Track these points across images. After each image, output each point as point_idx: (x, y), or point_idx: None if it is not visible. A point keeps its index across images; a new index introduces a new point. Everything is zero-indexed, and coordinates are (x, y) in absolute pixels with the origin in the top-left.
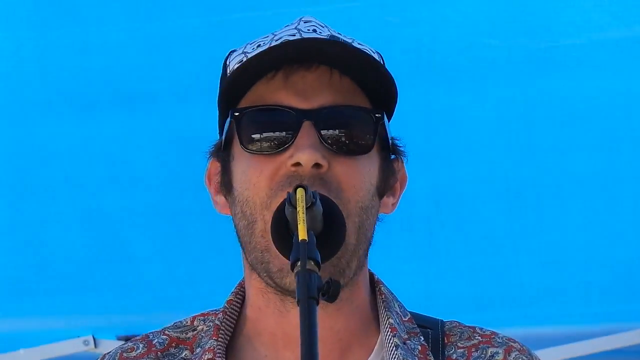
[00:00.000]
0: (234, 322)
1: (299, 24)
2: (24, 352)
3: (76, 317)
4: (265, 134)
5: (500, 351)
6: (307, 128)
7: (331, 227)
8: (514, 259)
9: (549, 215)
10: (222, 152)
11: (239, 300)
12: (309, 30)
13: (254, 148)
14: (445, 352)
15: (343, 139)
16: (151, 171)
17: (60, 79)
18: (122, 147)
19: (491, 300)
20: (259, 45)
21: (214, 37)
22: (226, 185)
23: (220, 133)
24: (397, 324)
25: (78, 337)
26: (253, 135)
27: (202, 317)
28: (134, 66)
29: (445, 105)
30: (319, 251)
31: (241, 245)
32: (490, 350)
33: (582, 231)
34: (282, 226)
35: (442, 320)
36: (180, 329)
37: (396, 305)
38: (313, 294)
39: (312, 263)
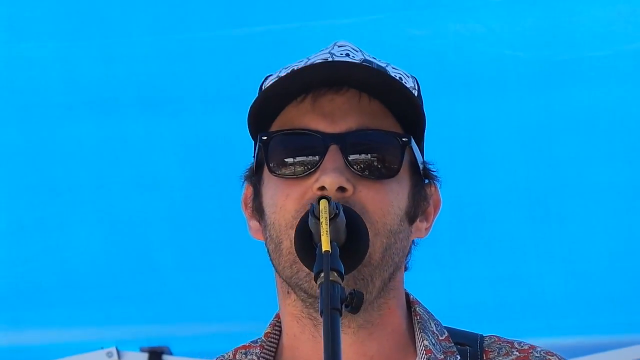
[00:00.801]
0: (273, 354)
1: (332, 49)
2: None
3: (99, 328)
4: (291, 158)
5: None
6: (333, 152)
7: (354, 238)
8: (537, 269)
9: (572, 226)
10: (254, 176)
11: (276, 332)
12: (341, 54)
13: (281, 172)
14: None
15: (369, 162)
16: (174, 178)
17: (85, 86)
18: (146, 154)
19: (514, 310)
20: (292, 70)
21: (238, 47)
22: (258, 210)
23: (254, 156)
24: (433, 344)
25: (102, 348)
26: (280, 160)
27: (244, 350)
28: (158, 73)
29: (469, 117)
30: (342, 262)
31: (274, 269)
32: None
33: (605, 241)
34: (305, 238)
35: (481, 336)
36: None
37: (432, 325)
38: (336, 305)
39: (336, 274)
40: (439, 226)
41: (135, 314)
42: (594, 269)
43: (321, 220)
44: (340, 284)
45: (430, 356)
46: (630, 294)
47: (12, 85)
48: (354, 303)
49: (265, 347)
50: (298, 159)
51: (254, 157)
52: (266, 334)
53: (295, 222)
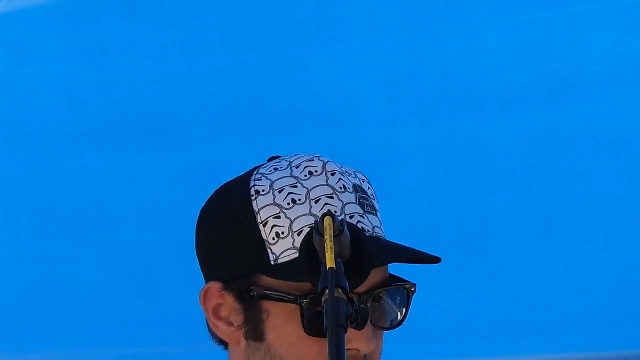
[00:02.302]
0: None
1: (328, 179)
2: None
3: (104, 349)
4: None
5: None
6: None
7: (359, 254)
8: (541, 286)
9: (577, 242)
10: (246, 296)
11: None
12: (341, 189)
13: (316, 332)
14: None
15: (387, 320)
16: (179, 204)
17: (88, 112)
18: (151, 181)
19: (518, 328)
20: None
21: (243, 73)
22: (252, 333)
23: (245, 272)
24: None
25: None
26: (317, 323)
27: None
28: (162, 100)
29: (472, 133)
30: (346, 279)
31: None
32: None
33: (610, 257)
34: (310, 255)
35: None
36: None
37: None
38: (341, 322)
39: (340, 291)
40: (443, 244)
41: (139, 336)
42: (599, 286)
43: (325, 237)
44: (344, 301)
45: None
46: (636, 310)
47: (14, 112)
48: (359, 319)
49: None
50: None
51: (247, 272)
52: None
53: None
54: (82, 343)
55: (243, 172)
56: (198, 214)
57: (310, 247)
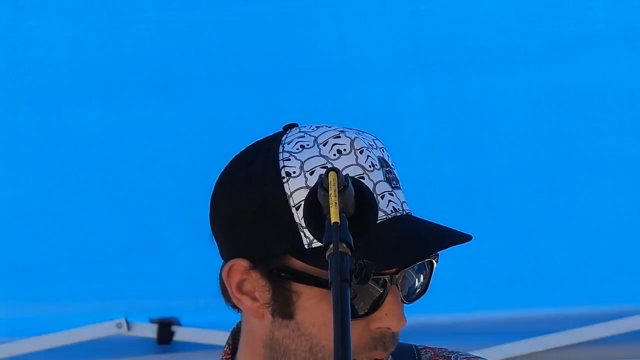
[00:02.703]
0: None
1: (357, 158)
2: (56, 335)
3: (109, 301)
4: (360, 302)
5: None
6: (394, 291)
7: (363, 209)
8: (546, 242)
9: (581, 198)
10: (276, 277)
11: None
12: (370, 167)
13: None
14: None
15: (414, 294)
16: (183, 157)
17: (92, 66)
18: (155, 134)
19: (523, 282)
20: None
21: (247, 25)
22: (281, 312)
23: (277, 251)
24: None
25: (111, 320)
26: (351, 307)
27: None
28: (166, 54)
29: (477, 91)
30: (351, 234)
31: (284, 353)
32: None
33: (613, 213)
34: (314, 210)
35: (415, 348)
36: None
37: None
38: (345, 276)
39: (345, 245)
40: (447, 201)
41: (144, 288)
42: (602, 241)
43: (330, 192)
44: (349, 255)
45: None
46: (638, 266)
47: (18, 66)
48: (363, 274)
49: None
50: (365, 301)
51: (279, 252)
52: None
53: None
54: (87, 296)
55: (261, 139)
56: (217, 184)
57: (314, 202)
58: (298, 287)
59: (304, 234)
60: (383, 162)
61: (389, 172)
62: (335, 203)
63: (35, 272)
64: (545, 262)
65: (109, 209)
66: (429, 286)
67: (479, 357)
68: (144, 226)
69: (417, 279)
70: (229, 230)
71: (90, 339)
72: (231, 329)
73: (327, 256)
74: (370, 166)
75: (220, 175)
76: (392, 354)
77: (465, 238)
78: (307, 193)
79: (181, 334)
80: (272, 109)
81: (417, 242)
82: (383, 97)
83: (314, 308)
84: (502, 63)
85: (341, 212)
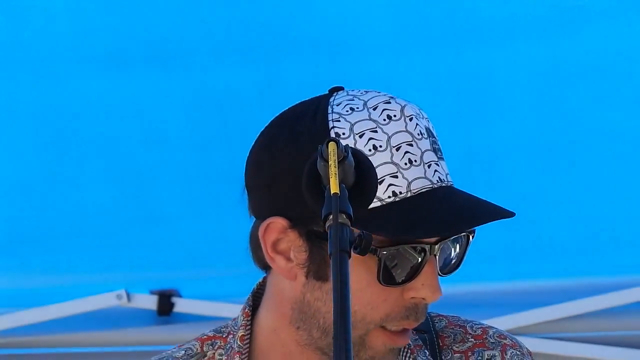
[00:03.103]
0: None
1: (407, 125)
2: (56, 307)
3: (109, 273)
4: (398, 270)
5: (496, 354)
6: (431, 262)
7: (363, 180)
8: (546, 213)
9: (580, 170)
10: (315, 237)
11: (249, 335)
12: (419, 135)
13: (389, 283)
14: (443, 357)
15: (450, 267)
16: (184, 129)
17: (93, 36)
18: (155, 106)
19: (523, 254)
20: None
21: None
22: (316, 273)
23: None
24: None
25: (111, 291)
26: (390, 274)
27: (210, 341)
28: (167, 25)
29: (478, 63)
30: (350, 204)
31: (314, 315)
32: (486, 354)
33: (612, 185)
34: (314, 180)
35: (430, 316)
36: (192, 358)
37: None
38: (345, 247)
39: (344, 216)
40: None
41: (144, 259)
42: (601, 213)
43: (330, 163)
44: (349, 227)
45: (415, 356)
46: (637, 237)
47: (18, 36)
48: (363, 245)
49: (243, 352)
50: (404, 270)
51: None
52: (241, 337)
53: (379, 326)
54: (87, 268)
55: (307, 99)
56: (258, 141)
57: (314, 173)
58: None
59: None
60: (429, 132)
61: (435, 142)
62: (335, 174)
63: (35, 244)
64: (545, 233)
65: (110, 181)
66: (463, 261)
67: (492, 327)
68: (145, 198)
69: (452, 252)
70: (269, 185)
71: (90, 310)
72: (230, 300)
73: (326, 227)
74: (418, 134)
75: (262, 133)
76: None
77: (508, 214)
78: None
79: (181, 305)
80: (273, 81)
81: (460, 214)
82: (384, 70)
83: (352, 272)
84: (504, 35)
85: (341, 182)
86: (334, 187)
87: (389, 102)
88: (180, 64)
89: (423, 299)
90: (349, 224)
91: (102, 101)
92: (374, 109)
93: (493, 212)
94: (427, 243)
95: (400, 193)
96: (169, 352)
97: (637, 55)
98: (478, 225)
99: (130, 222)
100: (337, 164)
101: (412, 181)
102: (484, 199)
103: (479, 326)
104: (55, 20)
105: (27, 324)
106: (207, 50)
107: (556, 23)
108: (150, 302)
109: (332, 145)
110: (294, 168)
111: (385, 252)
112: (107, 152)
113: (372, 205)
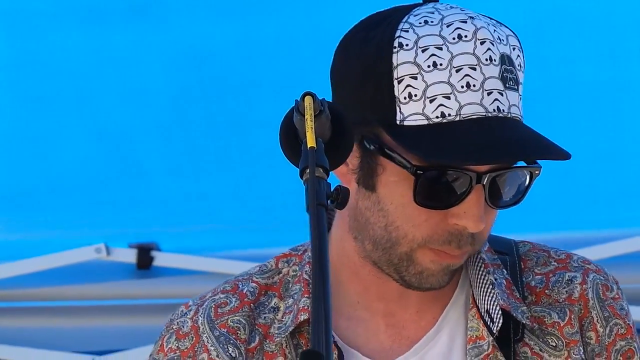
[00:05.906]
0: None
1: (476, 47)
2: (35, 260)
3: (88, 229)
4: (440, 196)
5: (578, 275)
6: (478, 192)
7: (339, 135)
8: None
9: (557, 124)
10: (366, 145)
11: None
12: (487, 60)
13: (426, 204)
14: (524, 279)
15: (503, 200)
16: (162, 84)
17: None
18: (133, 61)
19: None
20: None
21: None
22: (364, 182)
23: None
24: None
25: (90, 245)
26: (428, 195)
27: (285, 259)
28: None
29: None
30: (327, 158)
31: (365, 225)
32: (567, 275)
33: (589, 139)
34: (290, 134)
35: (515, 242)
36: (267, 274)
37: None
38: (322, 201)
39: (321, 170)
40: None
41: (123, 215)
42: (579, 167)
43: (306, 117)
44: (325, 180)
45: (489, 270)
46: (614, 192)
47: None
48: (340, 199)
49: None
50: (446, 195)
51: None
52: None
53: (419, 245)
54: (66, 223)
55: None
56: (342, 39)
57: (290, 126)
58: (383, 161)
59: (399, 109)
60: (505, 59)
61: (509, 71)
62: (312, 127)
63: (14, 199)
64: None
65: (88, 136)
66: (524, 197)
67: (576, 254)
68: (123, 153)
69: (512, 187)
70: (337, 83)
71: (70, 264)
72: (209, 254)
73: (303, 181)
74: (487, 60)
75: (348, 31)
76: (490, 243)
77: (563, 155)
78: (410, 69)
79: (160, 259)
80: (249, 34)
81: (507, 145)
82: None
83: (395, 186)
84: None
85: (317, 136)
86: (311, 141)
87: (465, 22)
88: (159, 18)
89: (465, 227)
90: (326, 177)
91: (80, 56)
92: (448, 26)
93: (543, 150)
94: (473, 171)
95: (449, 115)
96: (247, 270)
97: (612, 8)
98: (516, 160)
99: (110, 177)
100: (313, 117)
101: (464, 105)
102: (551, 140)
103: (564, 252)
104: None
105: (6, 277)
106: (185, 4)
107: None
108: (129, 256)
109: (308, 99)
110: (358, 72)
111: (420, 172)
112: (85, 107)
113: (418, 122)
